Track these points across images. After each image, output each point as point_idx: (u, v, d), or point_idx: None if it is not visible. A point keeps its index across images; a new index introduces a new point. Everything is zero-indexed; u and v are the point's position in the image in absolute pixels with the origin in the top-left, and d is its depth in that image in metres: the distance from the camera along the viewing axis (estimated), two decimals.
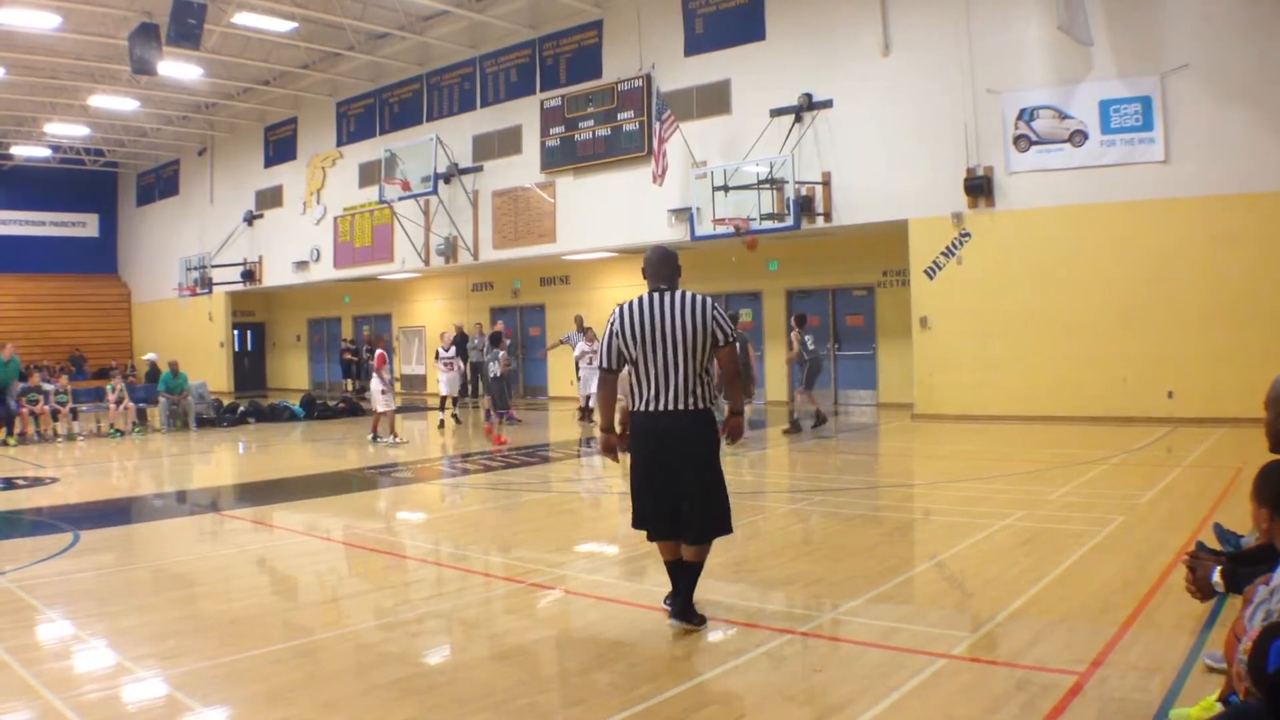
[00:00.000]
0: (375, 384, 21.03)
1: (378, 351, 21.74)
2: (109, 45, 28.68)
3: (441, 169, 30.20)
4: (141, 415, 25.00)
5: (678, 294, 6.95)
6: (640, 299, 6.98)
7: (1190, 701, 4.96)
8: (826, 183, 23.19)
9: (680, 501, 6.95)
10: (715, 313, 6.89)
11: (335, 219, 36.12)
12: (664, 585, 8.19)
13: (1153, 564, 8.05)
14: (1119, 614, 6.71)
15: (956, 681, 5.65)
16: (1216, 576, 5.11)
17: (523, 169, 29.65)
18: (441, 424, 24.20)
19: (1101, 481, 12.96)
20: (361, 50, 31.59)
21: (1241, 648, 3.93)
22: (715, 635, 6.86)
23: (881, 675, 5.74)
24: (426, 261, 32.34)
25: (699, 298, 6.93)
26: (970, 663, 5.97)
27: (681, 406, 6.84)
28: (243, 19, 27.17)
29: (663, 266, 7.12)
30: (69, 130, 39.85)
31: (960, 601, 7.65)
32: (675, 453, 6.91)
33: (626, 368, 7.00)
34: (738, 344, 7.15)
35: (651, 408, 6.91)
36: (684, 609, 6.92)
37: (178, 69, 29.50)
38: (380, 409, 20.93)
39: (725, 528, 7.18)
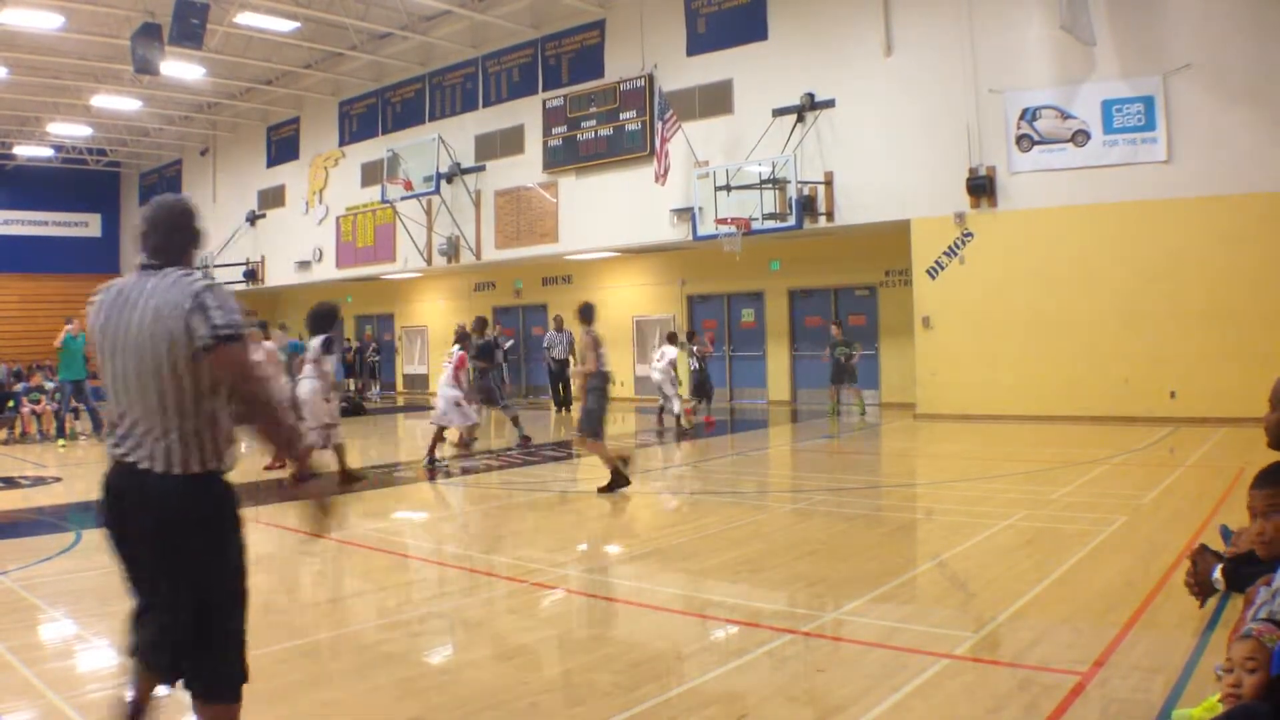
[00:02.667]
0: (450, 391, 16.94)
1: (459, 352, 17.49)
2: (111, 45, 28.67)
3: (444, 169, 30.22)
4: None
5: (163, 274, 4.03)
6: (116, 281, 4.21)
7: (1193, 702, 4.95)
8: (829, 182, 23.19)
9: (151, 614, 4.15)
10: (201, 299, 3.89)
11: (338, 219, 36.14)
12: (668, 584, 8.17)
13: (1155, 564, 8.04)
14: (1121, 614, 6.70)
15: (959, 682, 5.65)
16: (1218, 574, 5.11)
17: (525, 169, 29.65)
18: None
19: (1104, 481, 12.96)
20: (364, 50, 31.60)
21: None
22: (717, 635, 6.86)
23: (884, 675, 5.74)
24: (429, 261, 32.35)
25: (187, 277, 4.00)
26: (972, 663, 5.97)
27: (147, 463, 3.98)
28: (245, 19, 27.17)
29: (157, 230, 4.19)
30: (71, 130, 39.83)
31: (962, 601, 7.65)
32: (138, 539, 4.08)
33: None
34: (240, 346, 3.94)
35: (116, 455, 4.13)
36: None
37: (180, 69, 29.49)
38: (457, 422, 17.18)
39: (229, 685, 4.10)
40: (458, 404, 16.99)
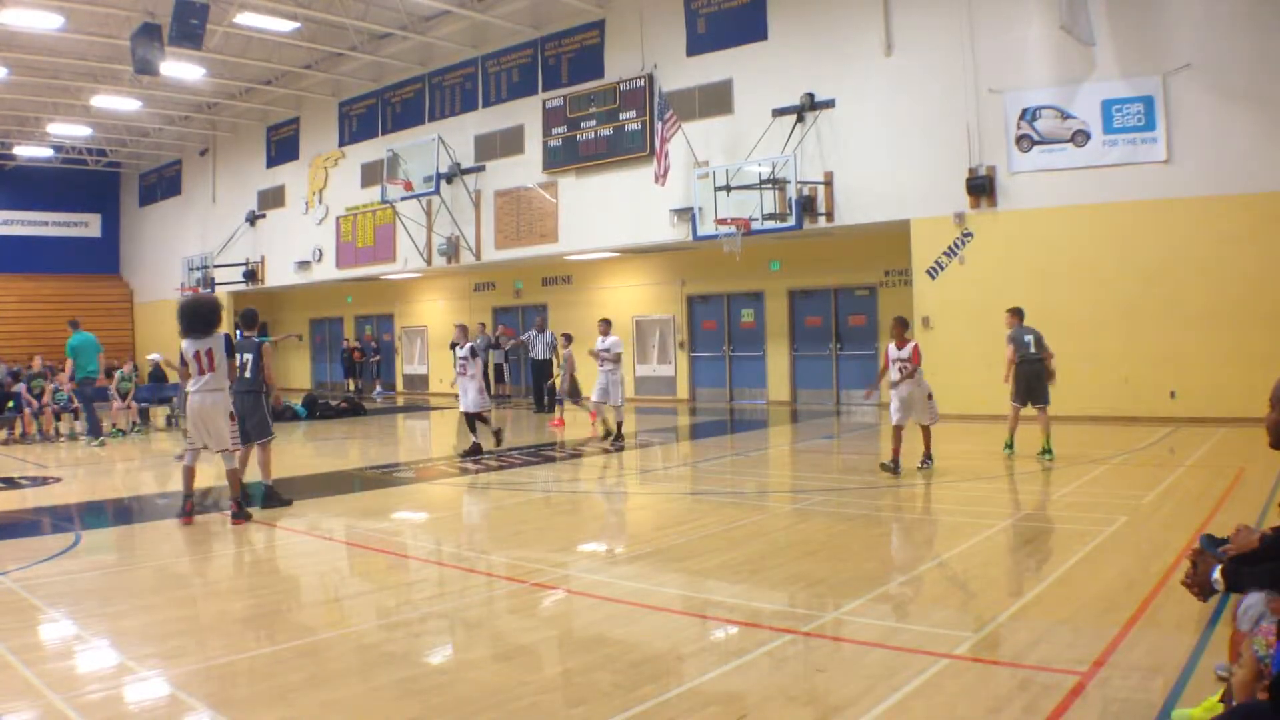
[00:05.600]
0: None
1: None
2: (111, 45, 28.69)
3: (443, 169, 30.21)
4: (144, 415, 24.96)
5: None
6: None
7: (1193, 702, 4.96)
8: (828, 182, 23.18)
9: None
10: None
11: (337, 219, 36.14)
12: (668, 585, 8.18)
13: (1156, 564, 8.05)
14: (1122, 614, 6.70)
15: (959, 682, 5.65)
16: (1217, 574, 5.10)
17: (525, 169, 29.66)
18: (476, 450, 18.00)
19: (1104, 481, 12.96)
20: (364, 50, 31.60)
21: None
22: (717, 635, 6.86)
23: (884, 675, 5.74)
24: (429, 261, 32.35)
25: None
26: (973, 663, 5.97)
27: None
28: (245, 19, 27.18)
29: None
30: (71, 130, 39.86)
31: (963, 601, 7.65)
32: None
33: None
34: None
35: None
36: None
37: (180, 69, 29.53)
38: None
39: None
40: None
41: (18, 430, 22.79)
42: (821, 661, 6.13)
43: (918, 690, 5.51)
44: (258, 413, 13.12)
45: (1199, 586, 5.11)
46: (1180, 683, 5.41)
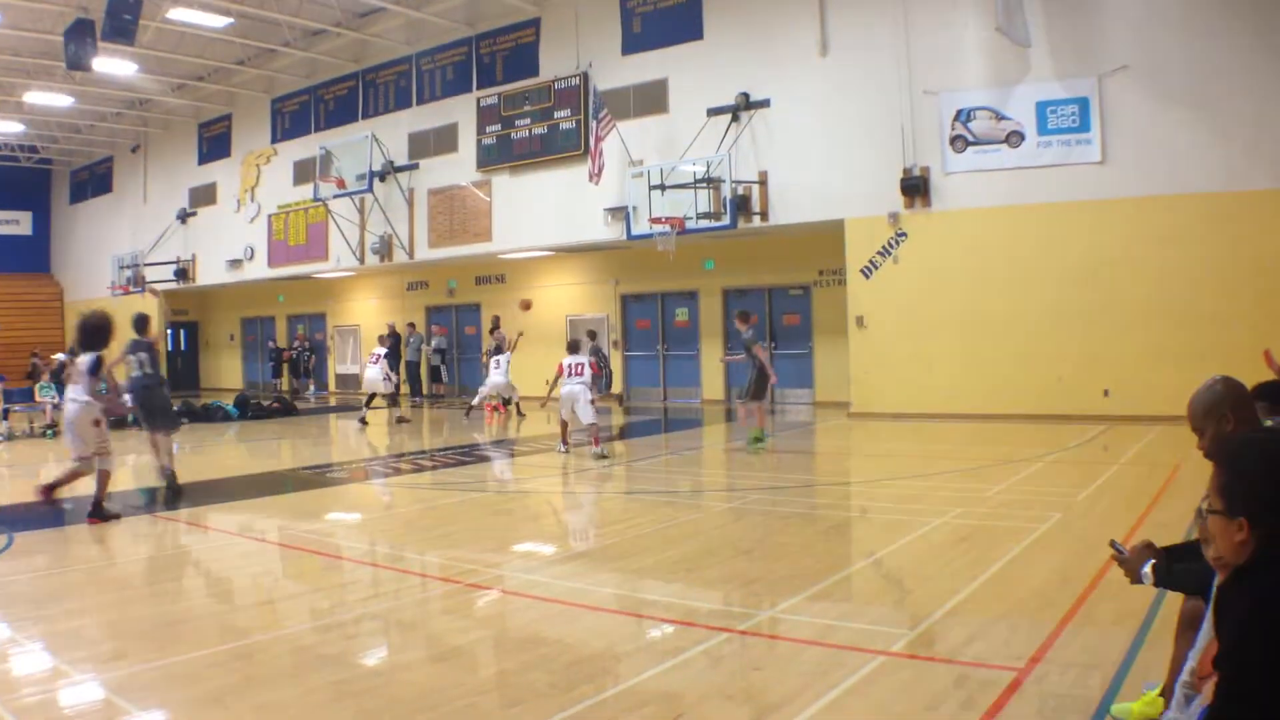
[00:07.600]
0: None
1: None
2: (44, 41, 28.26)
3: (377, 167, 30.03)
4: None
5: None
6: None
7: (1131, 697, 5.00)
8: (763, 182, 23.25)
9: None
10: None
11: (269, 217, 35.79)
12: (604, 584, 8.16)
13: (1091, 560, 8.10)
14: (1058, 610, 6.75)
15: (895, 679, 5.67)
16: (1147, 570, 5.14)
17: (459, 167, 29.52)
18: None
19: (1038, 479, 13.07)
20: (297, 47, 31.31)
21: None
22: (653, 634, 6.85)
23: (820, 673, 5.75)
24: (361, 260, 32.11)
25: None
26: (909, 660, 5.99)
27: None
28: (178, 14, 26.81)
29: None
30: (3, 127, 39.22)
31: (898, 599, 7.69)
32: None
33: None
34: None
35: None
36: None
37: (112, 65, 29.13)
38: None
39: None
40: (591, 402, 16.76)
41: None
42: (758, 660, 6.13)
43: (854, 687, 5.52)
44: (163, 404, 14.71)
45: (1130, 575, 5.14)
46: (1118, 677, 5.45)
